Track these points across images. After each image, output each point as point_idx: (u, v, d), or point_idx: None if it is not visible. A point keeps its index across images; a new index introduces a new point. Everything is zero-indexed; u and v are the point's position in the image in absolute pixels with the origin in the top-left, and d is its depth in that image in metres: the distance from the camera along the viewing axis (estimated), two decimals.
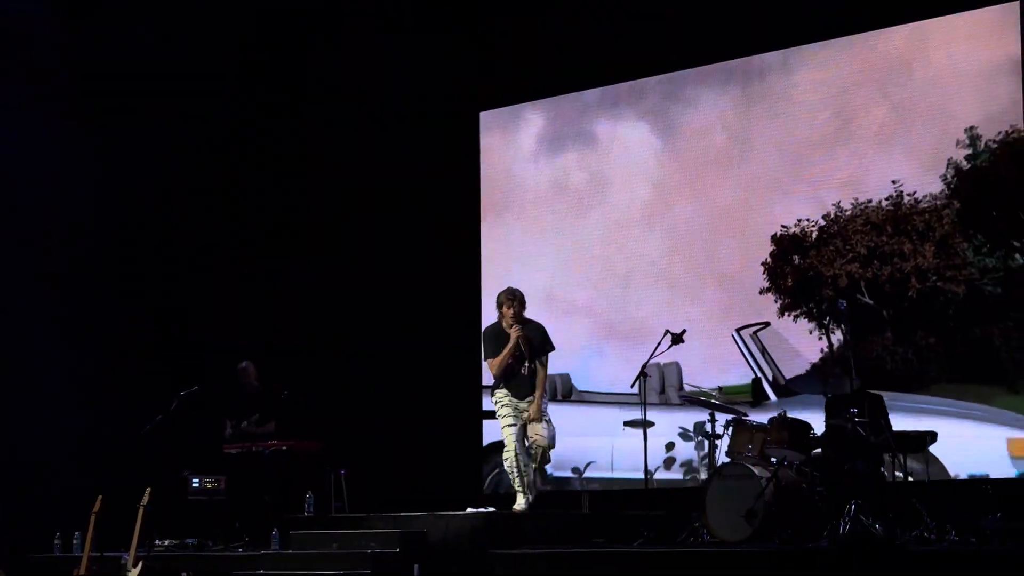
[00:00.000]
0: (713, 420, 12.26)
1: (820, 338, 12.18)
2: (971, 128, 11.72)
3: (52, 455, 14.58)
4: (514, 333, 11.55)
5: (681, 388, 12.49)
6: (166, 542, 13.55)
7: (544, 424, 11.66)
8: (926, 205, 11.73)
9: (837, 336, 11.93)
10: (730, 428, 12.01)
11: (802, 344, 12.26)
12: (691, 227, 13.29)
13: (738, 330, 11.60)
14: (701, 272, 13.20)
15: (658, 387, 12.42)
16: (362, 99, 15.75)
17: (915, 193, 11.81)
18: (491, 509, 12.79)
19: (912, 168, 11.95)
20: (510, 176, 14.75)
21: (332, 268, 15.82)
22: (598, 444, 12.54)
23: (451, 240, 15.44)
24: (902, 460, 11.16)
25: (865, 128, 12.34)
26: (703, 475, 12.09)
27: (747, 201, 12.90)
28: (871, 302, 10.93)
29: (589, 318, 13.62)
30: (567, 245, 14.04)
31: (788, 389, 11.46)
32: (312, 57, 15.80)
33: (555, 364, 12.39)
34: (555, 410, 12.01)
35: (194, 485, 13.77)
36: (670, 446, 10.66)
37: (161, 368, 14.92)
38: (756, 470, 11.41)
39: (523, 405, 11.70)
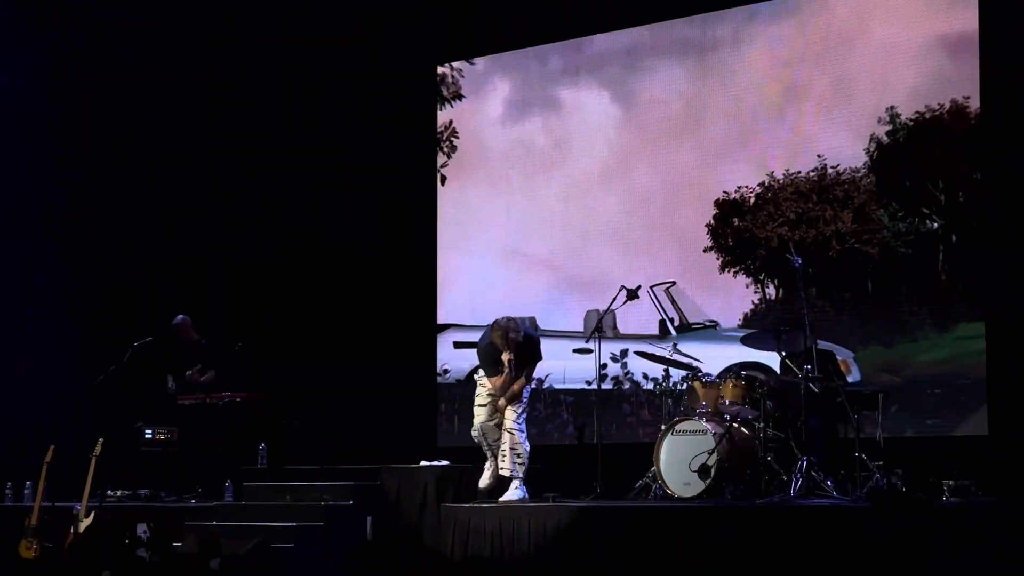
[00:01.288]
0: (667, 375, 12.32)
1: (756, 292, 13.32)
2: (891, 107, 12.71)
3: (3, 404, 14.52)
4: (505, 357, 11.64)
5: (615, 328, 13.05)
6: (118, 493, 13.51)
7: (515, 414, 11.74)
8: (846, 177, 12.87)
9: (770, 290, 13.16)
10: (686, 384, 12.07)
11: (741, 296, 13.37)
12: (647, 189, 13.97)
13: (651, 287, 12.56)
14: (655, 231, 13.86)
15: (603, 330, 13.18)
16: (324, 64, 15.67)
17: (838, 166, 12.90)
18: (445, 463, 12.81)
19: (845, 140, 12.92)
20: (476, 139, 15.11)
21: (290, 223, 15.75)
22: (554, 365, 13.81)
23: (410, 198, 15.40)
24: (855, 417, 11.24)
25: (807, 101, 13.23)
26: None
27: (699, 166, 13.68)
28: (799, 260, 11.86)
29: (551, 271, 14.34)
30: (530, 205, 14.64)
31: (688, 327, 13.18)
32: (264, 9, 15.69)
33: (520, 309, 13.58)
34: None
35: (147, 436, 13.72)
36: (603, 366, 11.89)
37: (114, 319, 14.85)
38: (709, 426, 11.48)
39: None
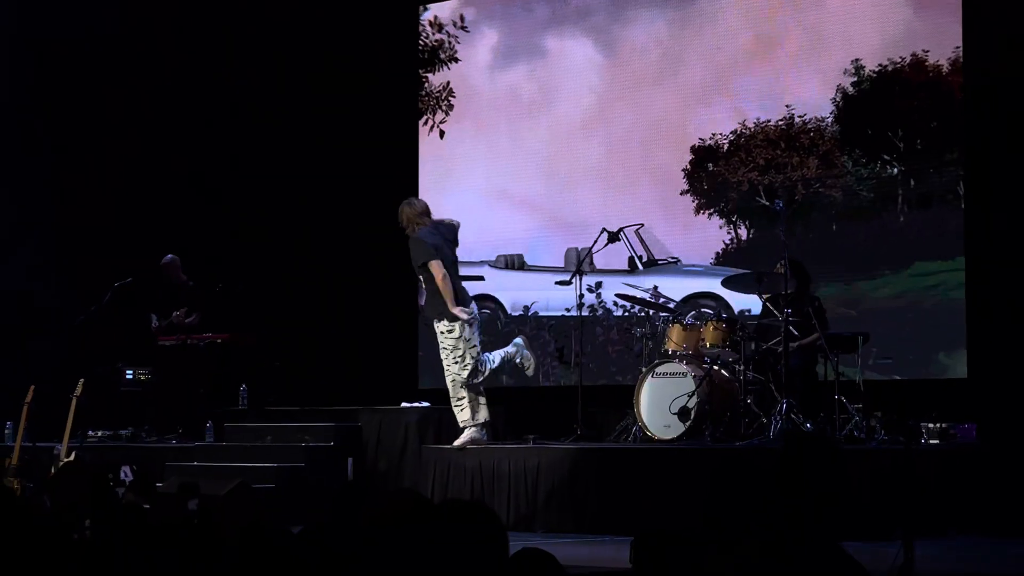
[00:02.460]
0: (648, 317, 12.34)
1: (729, 232, 13.84)
2: (856, 60, 13.26)
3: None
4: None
5: (591, 264, 13.58)
6: (99, 433, 13.52)
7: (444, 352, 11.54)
8: (812, 125, 13.48)
9: (742, 230, 13.77)
10: (666, 326, 12.09)
11: (715, 236, 13.93)
12: (627, 133, 14.41)
13: (621, 228, 12.94)
14: (635, 174, 14.31)
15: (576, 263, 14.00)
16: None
17: (805, 115, 13.51)
18: (426, 404, 12.84)
19: (813, 90, 13.51)
20: (465, 86, 15.40)
21: (272, 165, 15.69)
22: (538, 295, 14.66)
23: (392, 139, 15.36)
24: (834, 359, 11.28)
25: (780, 51, 13.71)
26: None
27: (678, 112, 14.16)
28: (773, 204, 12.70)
29: (536, 212, 14.86)
30: (516, 149, 15.05)
31: (654, 263, 14.00)
32: None
33: (509, 247, 14.84)
34: (510, 276, 14.81)
35: (127, 376, 13.71)
36: (581, 296, 12.42)
37: (95, 259, 14.79)
38: (689, 368, 11.50)
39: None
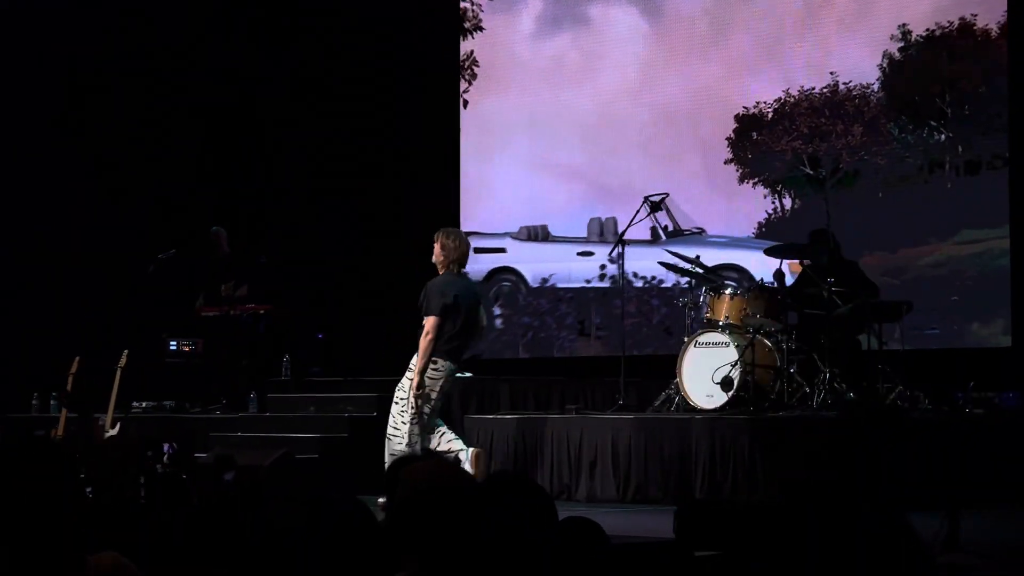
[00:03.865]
0: (691, 287, 12.31)
1: (773, 201, 13.84)
2: (903, 25, 13.15)
3: (30, 315, 14.58)
4: None
5: (616, 233, 13.55)
6: (144, 404, 13.58)
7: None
8: (856, 92, 13.41)
9: (787, 200, 13.76)
10: (708, 295, 12.06)
11: (758, 205, 13.91)
12: (674, 102, 14.37)
13: (647, 197, 12.68)
14: (682, 144, 14.28)
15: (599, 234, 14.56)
16: None
17: (850, 82, 13.40)
18: (468, 375, 12.85)
19: (860, 56, 13.42)
20: (509, 54, 15.38)
21: (312, 136, 15.70)
22: (560, 267, 14.80)
23: (433, 109, 15.35)
24: (877, 328, 11.23)
25: (829, 16, 13.63)
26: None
27: (724, 80, 14.11)
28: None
29: (579, 180, 14.83)
30: (559, 117, 14.99)
31: (680, 232, 13.97)
32: None
33: (533, 217, 14.79)
34: (534, 248, 14.91)
35: (171, 348, 13.76)
36: (602, 266, 12.73)
37: (140, 230, 14.85)
38: (732, 338, 11.47)
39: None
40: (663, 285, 14.03)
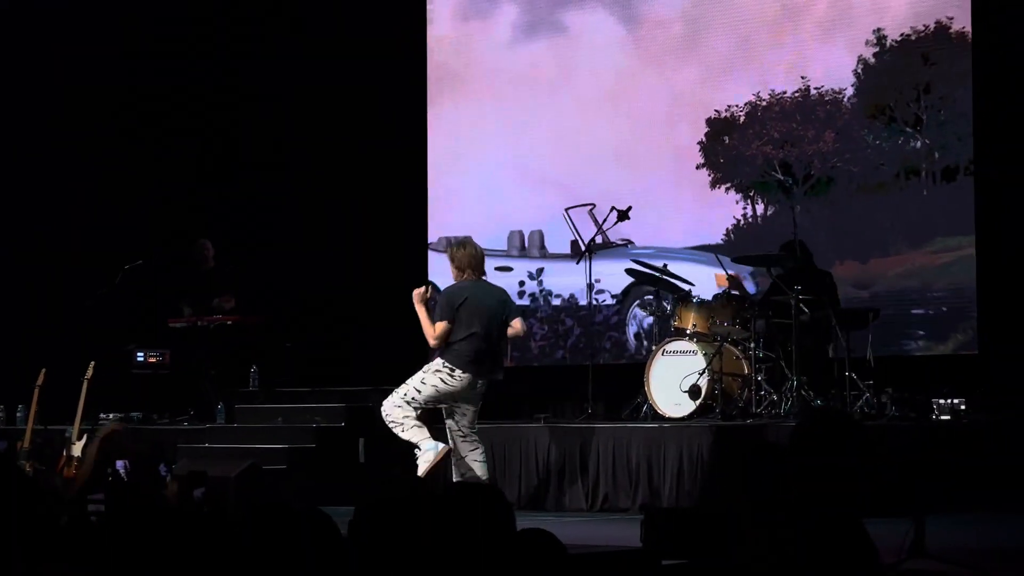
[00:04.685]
0: (658, 296, 12.32)
1: (745, 207, 13.54)
2: (878, 29, 12.95)
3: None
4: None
5: (543, 247, 13.40)
6: (111, 415, 13.52)
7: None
8: (829, 97, 13.16)
9: (760, 206, 13.41)
10: (675, 304, 12.07)
11: (729, 211, 13.63)
12: (651, 108, 14.12)
13: (566, 209, 12.60)
14: (659, 150, 14.00)
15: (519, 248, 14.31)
16: None
17: (822, 87, 13.18)
18: None
19: (834, 60, 13.19)
20: (483, 62, 15.15)
21: (280, 146, 15.67)
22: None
23: (399, 115, 15.33)
24: (844, 336, 11.27)
25: (804, 21, 13.42)
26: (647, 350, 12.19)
27: (701, 86, 13.87)
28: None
29: (557, 188, 14.33)
30: (533, 125, 14.71)
31: (608, 244, 13.34)
32: None
33: (525, 222, 14.22)
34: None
35: (138, 359, 13.71)
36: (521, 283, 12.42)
37: (105, 242, 14.78)
38: (700, 346, 11.49)
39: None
40: (580, 302, 13.70)
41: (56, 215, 15.01)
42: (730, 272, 12.02)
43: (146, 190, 15.33)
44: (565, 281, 13.89)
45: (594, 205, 12.97)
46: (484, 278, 10.63)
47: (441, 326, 10.38)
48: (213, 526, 4.52)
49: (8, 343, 14.29)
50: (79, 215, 15.11)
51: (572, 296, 13.72)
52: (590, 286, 12.31)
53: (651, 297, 12.39)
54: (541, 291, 13.63)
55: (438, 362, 10.40)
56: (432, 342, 10.49)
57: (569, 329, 12.86)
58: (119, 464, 9.15)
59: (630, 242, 13.76)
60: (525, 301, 13.55)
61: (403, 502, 3.85)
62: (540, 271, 13.43)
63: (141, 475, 7.77)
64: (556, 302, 14.04)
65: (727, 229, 13.57)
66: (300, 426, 12.42)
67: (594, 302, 12.90)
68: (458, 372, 10.33)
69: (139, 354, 13.69)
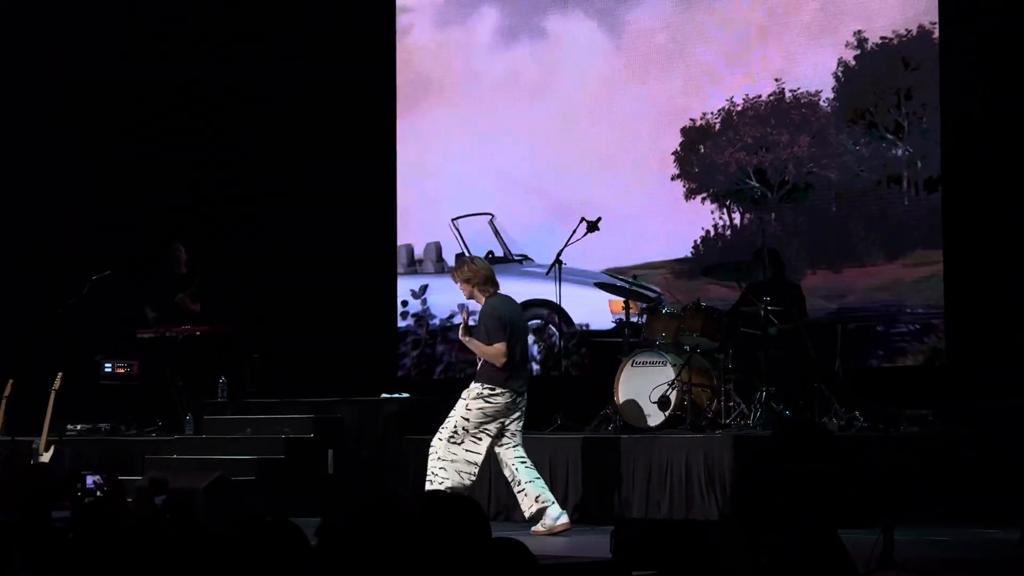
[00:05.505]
0: (627, 307, 12.31)
1: (721, 217, 13.27)
2: (859, 32, 12.66)
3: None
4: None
5: (440, 260, 13.30)
6: (78, 427, 13.46)
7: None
8: (804, 100, 12.85)
9: (736, 215, 13.14)
10: (644, 315, 12.08)
11: (705, 223, 13.36)
12: (634, 117, 13.81)
13: (454, 219, 12.43)
14: (644, 159, 13.71)
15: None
16: None
17: (798, 89, 12.86)
18: (406, 395, 12.82)
19: (814, 61, 12.88)
20: (464, 67, 14.92)
21: (252, 155, 15.62)
22: None
23: (368, 126, 15.30)
24: (811, 348, 11.29)
25: (787, 25, 13.11)
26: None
27: (685, 94, 13.58)
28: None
29: (542, 198, 14.11)
30: (512, 132, 14.41)
31: (508, 257, 13.32)
32: None
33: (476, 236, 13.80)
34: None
35: (106, 370, 13.65)
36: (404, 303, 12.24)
37: (73, 251, 14.72)
38: (669, 357, 11.49)
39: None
40: (454, 322, 13.42)
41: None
42: (625, 298, 11.97)
43: (115, 201, 15.26)
44: (445, 299, 13.72)
45: (493, 216, 12.80)
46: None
47: (503, 347, 10.22)
48: (176, 535, 4.50)
49: None
50: (47, 226, 15.03)
51: (452, 315, 13.53)
52: (631, 286, 12.05)
53: (539, 321, 12.32)
54: (425, 309, 13.48)
55: (476, 386, 10.34)
56: (502, 361, 10.23)
57: (439, 354, 12.68)
58: (89, 479, 9.11)
59: (526, 257, 13.63)
60: (408, 322, 13.30)
61: (373, 512, 3.84)
62: (424, 288, 13.30)
63: (111, 488, 7.75)
64: (434, 323, 13.86)
65: (697, 241, 13.35)
66: (269, 437, 12.39)
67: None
68: (499, 389, 10.28)
69: (107, 365, 13.64)
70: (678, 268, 13.42)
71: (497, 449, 10.37)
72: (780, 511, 5.01)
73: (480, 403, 10.27)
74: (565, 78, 14.28)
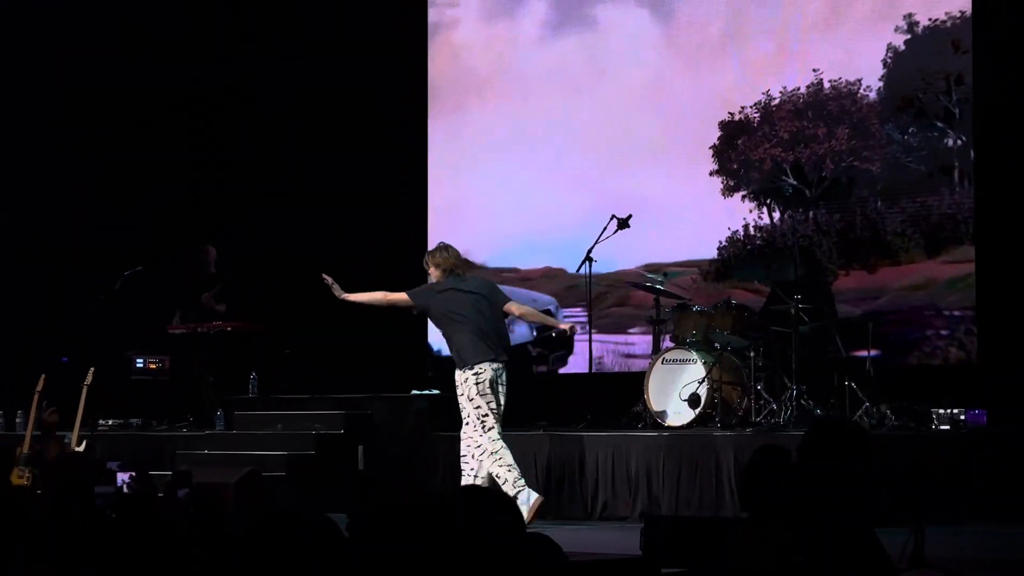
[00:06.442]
0: (657, 305, 12.30)
1: (760, 215, 12.94)
2: (909, 15, 12.24)
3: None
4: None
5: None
6: (110, 422, 13.53)
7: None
8: (844, 90, 12.43)
9: (776, 214, 12.80)
10: (675, 313, 12.07)
11: (740, 219, 13.02)
12: (685, 110, 13.49)
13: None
14: (693, 152, 13.40)
15: None
16: None
17: (839, 80, 12.46)
18: (436, 392, 12.83)
19: (855, 49, 12.46)
20: (510, 58, 14.69)
21: (282, 150, 15.66)
22: None
23: (399, 123, 15.32)
24: (841, 344, 11.27)
25: (847, 11, 12.69)
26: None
27: (738, 86, 13.21)
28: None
29: (591, 192, 13.78)
30: (568, 128, 14.11)
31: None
32: None
33: (550, 232, 13.69)
34: None
35: (138, 365, 13.71)
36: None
37: (105, 247, 14.78)
38: (699, 355, 11.48)
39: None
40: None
41: (56, 215, 15.01)
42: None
43: (146, 198, 15.32)
44: None
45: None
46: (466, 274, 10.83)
47: (402, 295, 10.83)
48: (202, 528, 4.52)
49: (8, 348, 14.29)
50: (79, 215, 15.10)
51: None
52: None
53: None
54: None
55: (459, 376, 10.41)
56: (389, 297, 10.95)
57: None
58: (120, 477, 9.16)
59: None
60: None
61: (403, 507, 3.85)
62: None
63: (143, 485, 7.77)
64: None
65: (724, 241, 13.10)
66: (299, 433, 12.41)
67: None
68: (476, 366, 10.33)
69: (138, 360, 13.69)
70: (707, 268, 13.29)
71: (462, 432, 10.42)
72: (796, 510, 5.01)
73: (475, 390, 10.30)
74: (613, 70, 13.95)
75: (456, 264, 10.66)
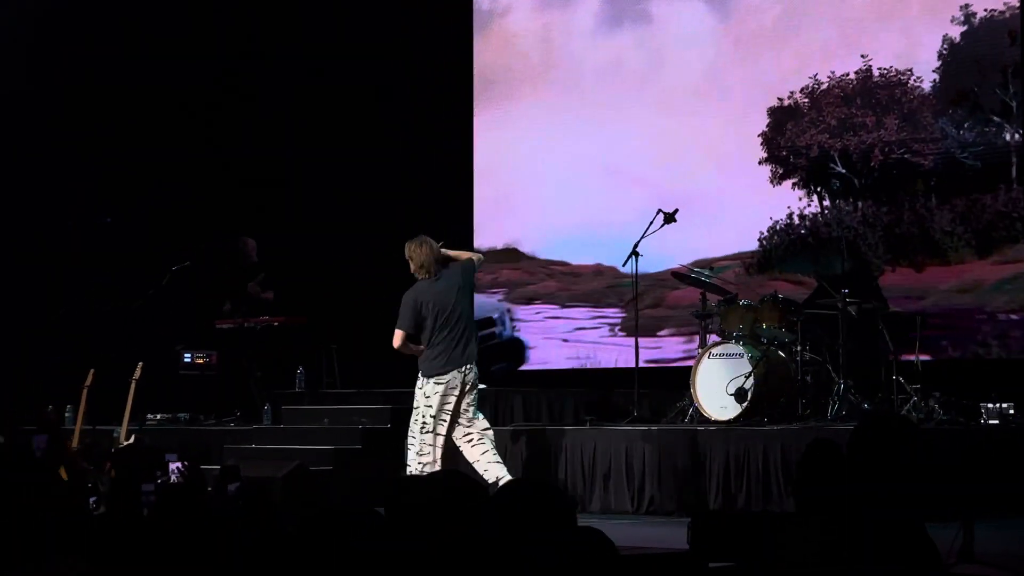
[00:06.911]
0: (704, 299, 12.27)
1: (808, 204, 12.79)
2: (966, 6, 11.99)
3: (45, 327, 14.57)
4: None
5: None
6: (158, 416, 13.61)
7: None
8: (894, 79, 12.19)
9: (827, 202, 12.63)
10: (721, 307, 12.04)
11: (785, 210, 12.93)
12: (744, 101, 13.33)
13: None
14: (743, 142, 13.25)
15: None
16: None
17: (889, 69, 12.22)
18: (482, 386, 12.82)
19: (918, 41, 12.22)
20: (565, 53, 14.63)
21: (326, 146, 15.71)
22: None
23: (444, 119, 15.33)
24: (889, 340, 11.21)
25: (912, 1, 12.45)
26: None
27: (790, 72, 13.02)
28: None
29: (644, 189, 13.69)
30: (622, 120, 14.02)
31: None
32: None
33: (604, 227, 13.61)
34: None
35: (186, 360, 13.78)
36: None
37: (153, 242, 14.86)
38: (746, 349, 11.45)
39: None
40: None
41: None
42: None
43: (194, 193, 15.39)
44: None
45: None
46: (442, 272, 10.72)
47: (399, 335, 10.70)
48: (252, 523, 4.53)
49: (57, 343, 14.37)
50: (126, 217, 15.16)
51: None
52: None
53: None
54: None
55: (421, 379, 10.59)
56: (395, 344, 10.75)
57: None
58: (172, 466, 9.21)
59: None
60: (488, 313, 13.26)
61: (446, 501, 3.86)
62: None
63: (193, 475, 7.82)
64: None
65: (768, 230, 12.96)
66: (346, 427, 12.45)
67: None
68: (439, 377, 10.49)
69: (186, 355, 13.77)
70: (749, 260, 13.20)
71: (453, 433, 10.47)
72: (846, 504, 4.99)
73: (433, 389, 10.43)
74: (669, 62, 13.84)
75: (424, 263, 10.66)
